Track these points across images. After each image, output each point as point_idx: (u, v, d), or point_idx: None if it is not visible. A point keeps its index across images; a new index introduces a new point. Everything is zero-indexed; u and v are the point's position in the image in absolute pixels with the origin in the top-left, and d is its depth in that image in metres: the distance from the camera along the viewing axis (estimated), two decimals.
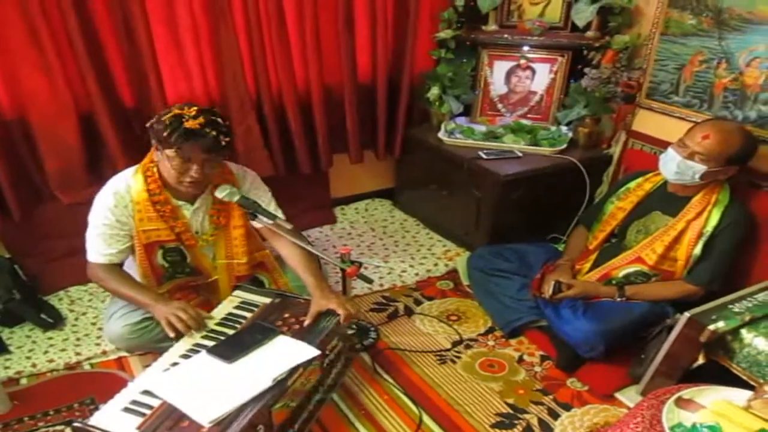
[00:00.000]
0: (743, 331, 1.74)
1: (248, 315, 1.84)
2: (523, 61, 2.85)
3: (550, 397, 1.98)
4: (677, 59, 2.41)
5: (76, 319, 2.33)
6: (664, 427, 1.34)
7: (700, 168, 1.98)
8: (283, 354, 1.62)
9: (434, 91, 2.86)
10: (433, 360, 2.14)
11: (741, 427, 1.34)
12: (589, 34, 2.67)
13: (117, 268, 1.88)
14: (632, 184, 2.27)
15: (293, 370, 1.57)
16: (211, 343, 1.68)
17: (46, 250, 2.49)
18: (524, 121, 2.88)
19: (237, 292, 1.95)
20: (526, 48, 2.82)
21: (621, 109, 2.65)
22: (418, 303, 2.49)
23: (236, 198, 1.80)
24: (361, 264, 1.87)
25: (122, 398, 1.48)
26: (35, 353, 2.14)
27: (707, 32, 2.28)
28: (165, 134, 1.68)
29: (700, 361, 1.82)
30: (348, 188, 3.27)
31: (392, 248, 2.91)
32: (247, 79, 2.55)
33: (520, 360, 2.15)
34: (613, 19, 2.59)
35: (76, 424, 1.41)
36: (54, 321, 2.28)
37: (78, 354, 2.13)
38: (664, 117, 2.50)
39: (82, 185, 2.37)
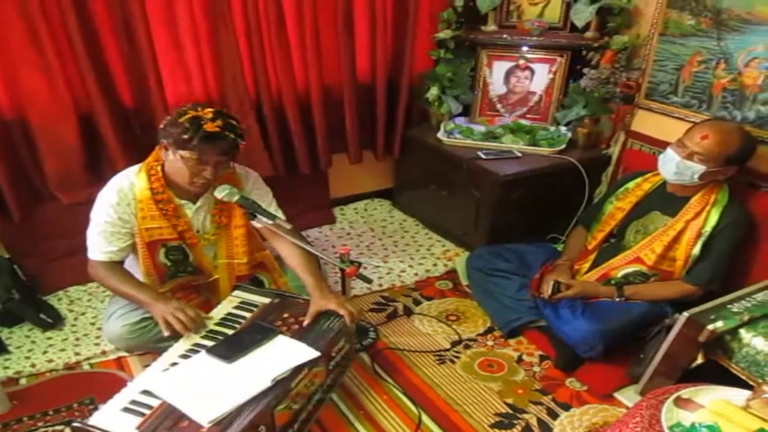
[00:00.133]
0: (742, 331, 1.75)
1: (248, 315, 1.84)
2: (522, 62, 2.86)
3: (549, 397, 1.98)
4: (676, 60, 2.41)
5: (76, 319, 2.33)
6: (663, 426, 1.34)
7: (699, 168, 1.98)
8: (283, 354, 1.63)
9: (433, 92, 2.86)
10: (433, 360, 2.15)
11: (740, 426, 1.34)
12: (588, 34, 2.68)
13: (117, 265, 1.88)
14: (631, 185, 2.27)
15: (295, 372, 1.57)
16: (210, 343, 1.68)
17: (46, 250, 2.49)
18: (523, 122, 2.88)
19: (236, 292, 1.95)
20: (525, 48, 2.83)
21: (620, 109, 2.65)
22: (417, 303, 2.49)
23: (236, 198, 1.81)
24: (360, 264, 1.87)
25: (122, 398, 1.48)
26: (34, 353, 2.14)
27: (706, 33, 2.28)
28: (185, 137, 1.68)
29: (699, 360, 1.82)
30: (347, 188, 3.28)
31: (391, 248, 2.91)
32: (247, 79, 2.56)
33: (519, 360, 2.16)
34: (612, 20, 2.59)
35: (75, 424, 1.41)
36: (53, 321, 2.28)
37: (77, 354, 2.13)
38: (662, 117, 2.50)
39: (81, 185, 2.37)
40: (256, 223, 1.88)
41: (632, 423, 1.42)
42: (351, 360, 1.94)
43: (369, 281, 1.95)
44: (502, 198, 2.58)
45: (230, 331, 1.75)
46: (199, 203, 1.90)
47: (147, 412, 1.43)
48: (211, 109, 1.74)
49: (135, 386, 1.52)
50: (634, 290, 2.11)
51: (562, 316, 2.10)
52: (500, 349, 2.21)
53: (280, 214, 1.96)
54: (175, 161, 1.75)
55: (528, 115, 2.93)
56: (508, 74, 2.91)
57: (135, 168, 1.85)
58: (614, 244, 2.27)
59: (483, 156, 2.65)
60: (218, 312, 1.86)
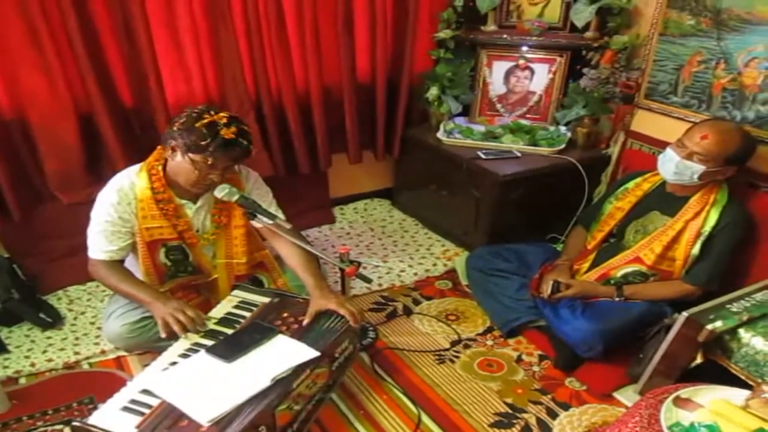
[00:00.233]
0: (741, 331, 1.75)
1: (247, 314, 1.84)
2: (521, 62, 2.86)
3: (549, 396, 1.99)
4: (676, 59, 2.41)
5: (75, 318, 2.33)
6: (662, 426, 1.34)
7: (698, 168, 1.98)
8: (282, 354, 1.63)
9: (433, 91, 2.86)
10: (432, 360, 2.15)
11: (739, 426, 1.34)
12: (588, 34, 2.68)
13: (118, 264, 1.88)
14: (630, 184, 2.28)
15: (297, 372, 1.57)
16: (210, 343, 1.68)
17: (46, 250, 2.50)
18: (523, 121, 2.88)
19: (236, 292, 1.95)
20: (524, 48, 2.83)
21: (620, 109, 2.66)
22: (416, 303, 2.49)
23: (235, 197, 1.81)
24: (360, 264, 1.87)
25: (121, 397, 1.48)
26: (34, 352, 2.14)
27: (706, 33, 2.28)
28: (203, 143, 1.68)
29: (698, 360, 1.82)
30: (347, 188, 3.28)
31: (391, 248, 2.91)
32: (247, 79, 2.55)
33: (519, 360, 2.16)
34: (611, 20, 2.60)
35: (75, 424, 1.41)
36: (53, 320, 2.29)
37: (77, 353, 2.13)
38: (662, 117, 2.50)
39: (81, 185, 2.38)
40: (255, 223, 1.88)
41: (631, 422, 1.42)
42: (353, 360, 1.94)
43: (369, 281, 1.95)
44: (501, 198, 2.58)
45: (230, 331, 1.75)
46: (199, 203, 1.90)
47: (146, 411, 1.44)
48: (225, 114, 1.74)
49: (134, 385, 1.52)
50: (634, 290, 2.12)
51: (562, 316, 2.11)
52: (500, 349, 2.21)
53: (280, 214, 1.96)
54: (182, 163, 1.74)
55: (528, 115, 2.93)
56: (508, 74, 2.91)
57: (136, 167, 1.85)
58: (614, 243, 2.27)
59: (483, 156, 2.65)
60: (218, 311, 1.86)
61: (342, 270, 1.92)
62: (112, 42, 2.25)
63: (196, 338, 1.72)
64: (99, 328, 2.24)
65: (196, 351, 1.65)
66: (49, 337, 2.23)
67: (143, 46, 2.26)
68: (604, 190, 2.67)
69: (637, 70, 2.58)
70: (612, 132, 2.73)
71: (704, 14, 2.28)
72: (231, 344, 1.66)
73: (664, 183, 2.16)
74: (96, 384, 1.99)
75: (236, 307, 1.88)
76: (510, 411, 1.92)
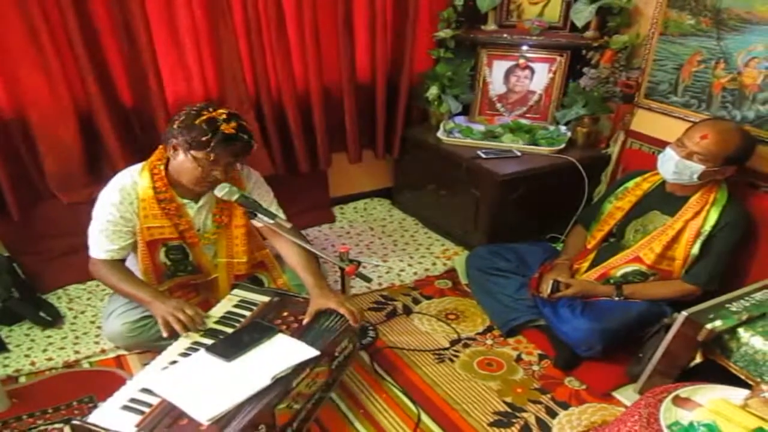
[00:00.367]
0: (740, 330, 1.75)
1: (247, 313, 1.84)
2: (522, 61, 2.86)
3: (548, 395, 1.99)
4: (676, 59, 2.41)
5: (75, 317, 2.34)
6: (661, 425, 1.35)
7: (698, 168, 1.98)
8: (282, 353, 1.63)
9: (433, 91, 2.86)
10: (432, 359, 2.15)
11: (738, 425, 1.34)
12: (588, 33, 2.68)
13: (118, 263, 1.87)
14: (630, 184, 2.28)
15: (297, 371, 1.58)
16: (210, 342, 1.68)
17: (45, 249, 2.50)
18: (523, 121, 2.88)
19: (236, 291, 1.95)
20: (525, 48, 2.83)
21: (619, 108, 2.66)
22: (416, 302, 2.49)
23: (235, 197, 1.81)
24: (359, 263, 1.87)
25: (121, 396, 1.48)
26: (34, 351, 2.14)
27: (706, 32, 2.29)
28: (203, 139, 1.68)
29: (698, 359, 1.82)
30: (347, 187, 3.28)
31: (391, 247, 2.91)
32: (247, 79, 2.56)
33: (519, 359, 2.16)
34: (611, 19, 2.60)
35: (74, 422, 1.41)
36: (53, 319, 2.29)
37: (77, 352, 2.13)
38: (662, 117, 2.50)
39: (81, 185, 2.38)
40: (256, 222, 1.88)
41: (631, 422, 1.42)
42: (353, 359, 1.95)
43: (368, 280, 1.95)
44: (501, 197, 2.58)
45: (230, 330, 1.75)
46: (201, 202, 1.90)
47: (146, 410, 1.44)
48: (224, 110, 1.74)
49: (134, 384, 1.52)
50: (633, 289, 2.12)
51: (562, 315, 2.11)
52: (499, 348, 2.21)
53: (280, 213, 1.97)
54: (185, 161, 1.74)
55: (528, 115, 2.93)
56: (508, 73, 2.91)
57: (138, 167, 1.85)
58: (613, 243, 2.27)
59: (482, 155, 2.65)
60: (218, 310, 1.86)
61: (342, 269, 1.92)
62: (112, 42, 2.26)
63: (196, 337, 1.72)
64: (99, 327, 2.24)
65: (196, 350, 1.65)
66: (49, 336, 2.23)
67: (143, 46, 2.26)
68: (603, 189, 2.67)
69: (637, 69, 2.58)
70: (612, 131, 2.74)
71: (704, 14, 2.28)
72: (231, 343, 1.66)
73: (663, 182, 2.16)
74: (96, 383, 1.99)
75: (236, 306, 1.88)
76: (509, 410, 1.92)
